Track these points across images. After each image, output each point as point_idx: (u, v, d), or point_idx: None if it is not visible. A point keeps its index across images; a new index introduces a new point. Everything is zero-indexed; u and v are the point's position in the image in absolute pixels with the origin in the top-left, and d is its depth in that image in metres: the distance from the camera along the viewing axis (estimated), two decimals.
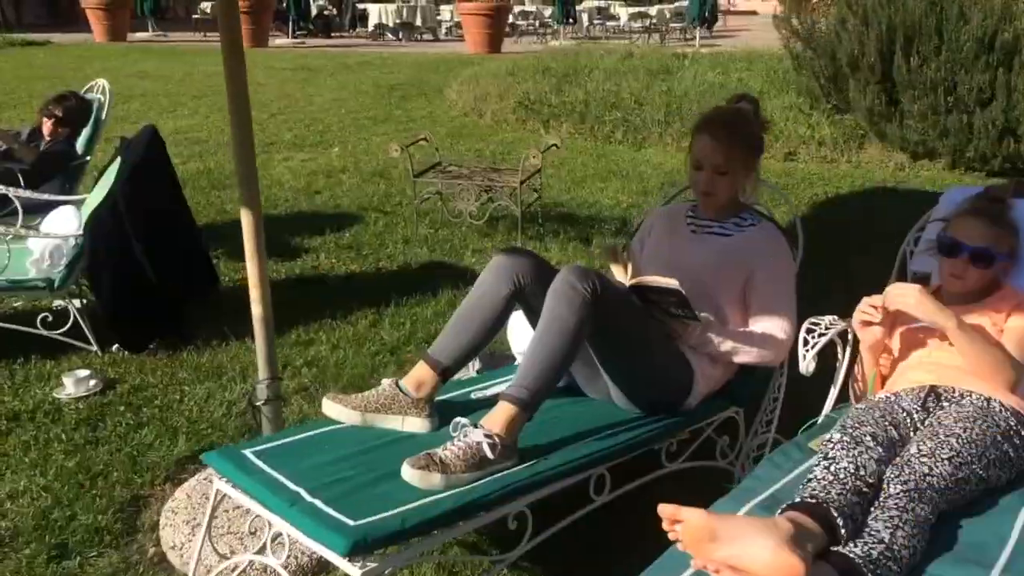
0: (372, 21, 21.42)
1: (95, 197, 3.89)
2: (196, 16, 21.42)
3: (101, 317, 3.70)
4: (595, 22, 22.64)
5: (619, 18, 21.63)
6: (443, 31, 22.73)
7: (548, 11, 22.04)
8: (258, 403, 2.59)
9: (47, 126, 4.61)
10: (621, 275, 2.44)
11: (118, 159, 3.87)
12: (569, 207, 6.04)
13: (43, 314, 3.65)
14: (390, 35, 21.69)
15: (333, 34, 22.30)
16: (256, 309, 2.62)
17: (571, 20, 21.02)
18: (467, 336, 2.37)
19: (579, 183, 6.70)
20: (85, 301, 3.78)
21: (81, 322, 3.70)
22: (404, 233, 5.44)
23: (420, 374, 2.37)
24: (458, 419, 2.17)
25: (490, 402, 2.45)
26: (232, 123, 2.45)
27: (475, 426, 2.13)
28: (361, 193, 6.37)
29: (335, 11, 23.20)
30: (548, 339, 2.19)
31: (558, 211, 5.85)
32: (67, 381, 3.44)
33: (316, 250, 5.13)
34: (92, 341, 3.72)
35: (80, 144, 4.69)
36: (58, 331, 3.68)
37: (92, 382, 3.48)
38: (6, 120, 9.15)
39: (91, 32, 19.03)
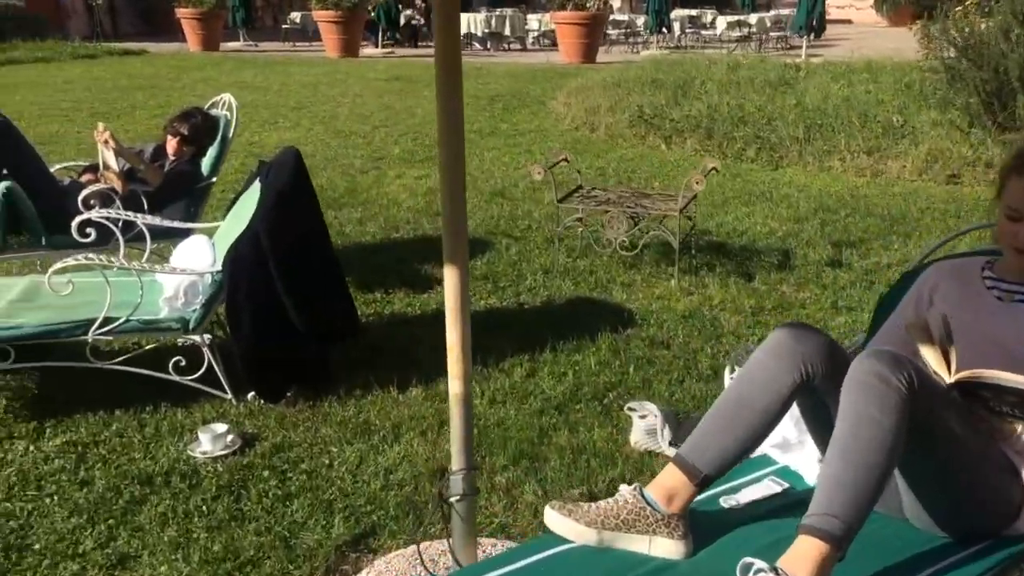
0: (461, 30, 21.13)
1: (230, 227, 3.51)
2: (285, 26, 21.46)
3: (238, 362, 3.31)
4: (687, 31, 21.99)
5: (715, 27, 20.91)
6: (530, 40, 22.34)
7: (640, 20, 21.46)
8: (452, 499, 2.13)
9: (172, 144, 4.27)
10: (936, 362, 1.90)
11: (256, 185, 3.48)
12: (717, 235, 5.49)
13: (176, 358, 3.27)
14: (477, 44, 21.39)
15: (420, 43, 22.11)
16: (455, 386, 2.16)
17: (664, 29, 20.42)
18: (734, 435, 1.86)
19: (720, 207, 6.14)
20: (212, 337, 3.39)
21: (216, 367, 3.31)
22: (542, 262, 4.97)
23: (672, 483, 1.87)
24: (749, 560, 1.65)
25: (751, 514, 1.94)
26: (443, 164, 1.99)
27: (772, 569, 1.61)
28: (485, 215, 5.92)
29: (423, 20, 23.00)
30: (858, 450, 1.67)
31: (706, 239, 5.31)
32: (203, 437, 3.04)
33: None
34: (227, 388, 3.33)
35: (206, 164, 4.34)
36: (191, 376, 3.30)
37: (230, 438, 3.08)
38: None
39: (185, 41, 19.17)
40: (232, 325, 3.22)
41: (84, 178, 4.23)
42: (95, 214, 3.57)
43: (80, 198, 3.89)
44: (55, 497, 2.79)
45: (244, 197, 3.57)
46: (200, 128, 4.28)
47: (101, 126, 4.00)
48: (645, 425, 3.06)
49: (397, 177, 7.05)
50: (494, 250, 5.20)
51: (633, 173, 7.24)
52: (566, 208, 4.90)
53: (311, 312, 3.30)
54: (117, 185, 3.94)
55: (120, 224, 3.66)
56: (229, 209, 3.75)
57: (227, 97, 4.53)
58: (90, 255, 3.06)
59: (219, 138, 4.35)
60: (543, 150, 8.23)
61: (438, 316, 4.25)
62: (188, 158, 4.29)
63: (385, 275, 4.73)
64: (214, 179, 4.31)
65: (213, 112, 4.49)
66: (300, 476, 2.92)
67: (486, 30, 20.89)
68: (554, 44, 22.58)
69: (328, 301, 3.44)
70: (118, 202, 4.00)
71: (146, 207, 4.08)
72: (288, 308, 3.24)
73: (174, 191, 4.17)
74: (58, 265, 3.00)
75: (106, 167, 3.97)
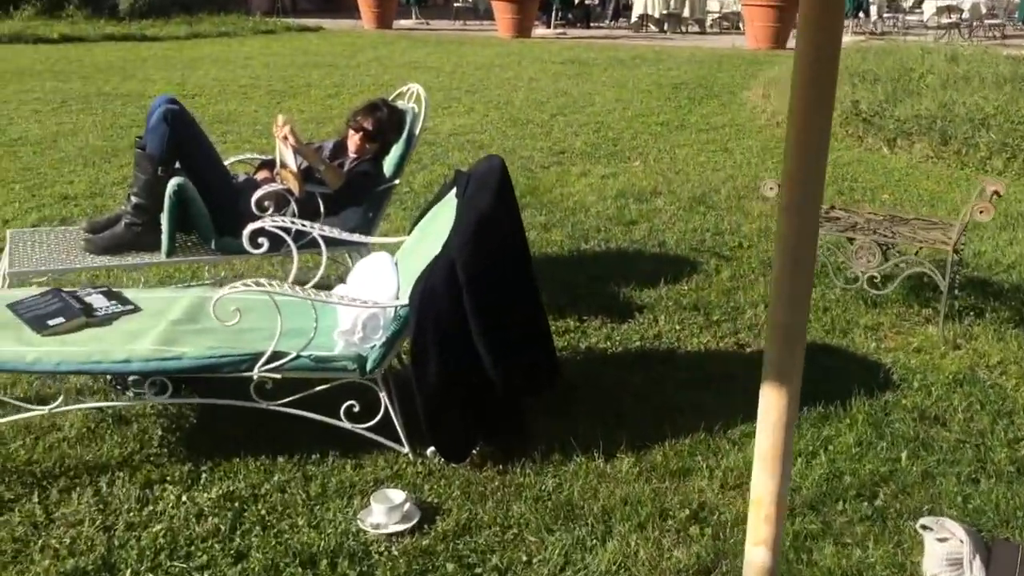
0: (636, 11, 20.24)
1: (418, 247, 2.97)
2: (457, 4, 21.20)
3: (419, 411, 2.76)
4: (884, 15, 20.18)
5: (919, 11, 19.06)
6: (708, 22, 21.15)
7: None
8: None
9: (353, 141, 3.78)
10: None
11: (452, 199, 2.92)
12: (976, 267, 4.54)
13: (349, 402, 2.76)
14: (653, 27, 20.42)
15: (592, 24, 21.36)
16: (757, 555, 1.49)
17: (861, 13, 18.78)
18: None
19: (971, 231, 5.15)
20: (390, 379, 2.87)
21: (394, 417, 2.78)
22: (761, 292, 4.21)
23: None
24: None
25: None
26: (788, 209, 1.32)
27: None
28: (686, 228, 5.19)
29: (597, 0, 22.23)
30: None
31: (964, 274, 4.38)
32: (376, 508, 2.52)
33: (651, 308, 4.01)
34: (404, 442, 2.80)
35: (389, 164, 3.84)
36: (364, 425, 2.78)
37: (407, 507, 2.54)
38: (286, 111, 8.83)
39: (360, 18, 19.23)
40: (416, 370, 2.67)
41: (259, 175, 3.82)
42: (268, 223, 3.11)
43: (254, 199, 3.47)
44: (205, 573, 2.33)
45: (436, 212, 3.02)
46: (385, 123, 3.78)
47: (281, 119, 3.56)
48: (946, 552, 2.29)
49: (582, 175, 6.41)
50: (702, 272, 4.47)
51: (854, 182, 6.29)
52: None
53: (509, 361, 2.71)
54: (293, 186, 3.49)
55: (293, 232, 3.20)
56: (415, 222, 3.21)
57: (415, 88, 4.01)
58: (260, 280, 2.58)
59: (405, 135, 3.83)
60: (743, 149, 7.37)
61: (643, 356, 3.59)
62: (370, 157, 3.80)
63: (577, 297, 4.11)
64: (397, 181, 3.80)
65: (399, 104, 3.98)
66: (491, 574, 2.34)
67: (664, 11, 19.90)
68: (734, 27, 21.36)
69: (528, 347, 2.84)
70: (293, 205, 3.56)
71: (323, 210, 3.63)
72: (483, 355, 2.66)
73: (354, 194, 3.69)
74: (224, 292, 2.54)
75: (283, 165, 3.53)
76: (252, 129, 7.84)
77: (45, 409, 2.63)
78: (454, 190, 2.93)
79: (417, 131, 3.85)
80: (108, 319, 2.81)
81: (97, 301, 2.88)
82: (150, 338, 2.66)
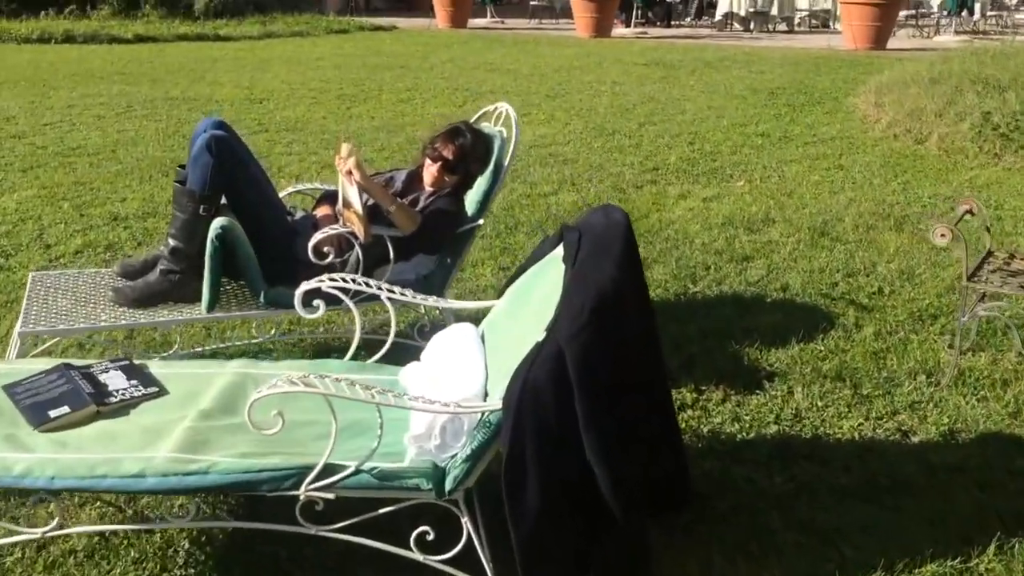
0: (721, 9, 19.30)
1: (512, 322, 2.34)
2: (533, 2, 20.55)
3: (513, 544, 2.12)
4: (987, 14, 18.85)
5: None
6: (796, 20, 20.07)
7: (934, 0, 18.62)
8: None
9: (430, 172, 3.17)
10: None
11: (555, 262, 2.27)
12: None
13: (422, 528, 2.13)
14: (738, 25, 19.46)
15: (673, 23, 20.49)
16: None
17: (964, 11, 17.52)
18: None
19: None
20: (471, 497, 2.23)
21: (478, 548, 2.15)
22: (918, 357, 3.46)
23: None
24: None
25: None
26: None
27: None
28: (811, 266, 4.44)
29: None
30: None
31: None
32: None
33: (783, 375, 3.30)
34: None
35: (472, 201, 3.21)
36: (440, 557, 2.16)
37: None
38: (356, 117, 8.32)
39: (434, 17, 18.74)
40: (510, 491, 2.03)
41: (319, 212, 3.23)
42: (325, 284, 2.51)
43: (311, 244, 2.87)
44: None
45: (535, 277, 2.38)
46: (468, 152, 3.15)
47: (344, 149, 2.96)
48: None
49: (681, 197, 5.69)
50: (839, 327, 3.73)
51: (999, 209, 5.44)
52: (975, 285, 3.33)
53: (632, 478, 2.05)
54: (358, 229, 2.89)
55: (353, 293, 2.59)
56: (508, 283, 2.57)
57: (504, 108, 3.37)
58: (310, 378, 1.96)
59: (492, 166, 3.20)
60: (860, 166, 6.55)
61: (782, 447, 2.69)
62: (450, 192, 3.18)
63: (691, 359, 3.43)
64: (481, 221, 3.17)
65: (484, 127, 3.35)
66: None
67: (751, 9, 18.92)
68: (824, 25, 20.23)
69: (656, 456, 2.18)
70: (358, 250, 2.96)
71: (392, 256, 3.02)
72: (598, 474, 2.01)
73: (430, 237, 3.07)
74: (262, 394, 1.94)
75: (346, 204, 2.93)
76: (319, 139, 7.32)
77: (36, 533, 2.07)
78: (560, 249, 2.28)
79: (506, 161, 3.21)
80: (124, 407, 2.24)
81: (114, 381, 2.32)
82: (173, 440, 2.08)
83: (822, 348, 3.53)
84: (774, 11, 19.10)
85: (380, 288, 2.54)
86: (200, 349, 3.30)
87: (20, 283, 4.09)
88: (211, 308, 2.91)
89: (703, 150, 7.11)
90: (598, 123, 8.22)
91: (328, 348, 3.48)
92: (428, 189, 3.21)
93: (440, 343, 2.43)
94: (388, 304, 2.54)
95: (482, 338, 2.45)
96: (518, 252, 4.60)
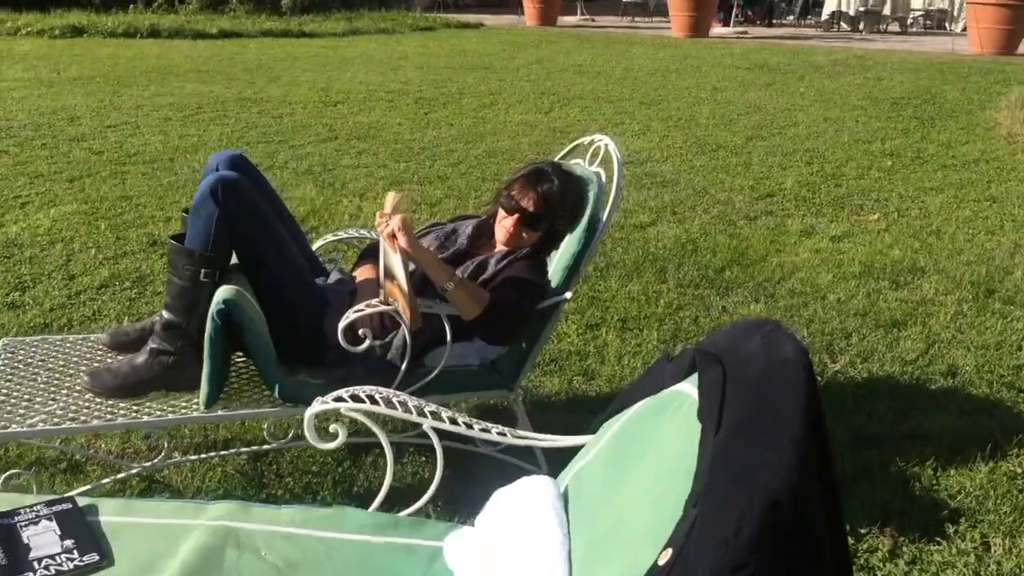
0: (828, 8, 18.04)
1: (612, 492, 1.56)
2: (626, 0, 19.61)
3: None
4: None
5: None
6: (909, 21, 18.64)
7: None
8: None
9: (505, 227, 2.41)
10: None
11: (679, 404, 1.48)
12: None
13: None
14: (846, 25, 18.16)
15: (775, 22, 19.30)
16: None
17: None
18: None
19: None
20: None
21: None
22: None
23: None
24: None
25: None
26: None
27: None
28: (981, 340, 3.52)
29: None
30: None
31: None
32: None
33: (971, 513, 2.44)
34: None
35: (558, 268, 2.44)
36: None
37: None
38: (433, 124, 7.63)
39: (522, 14, 18.03)
40: None
41: (360, 274, 2.51)
42: (344, 407, 1.78)
43: (341, 327, 2.15)
44: None
45: (650, 419, 1.59)
46: (555, 202, 2.38)
47: (389, 201, 2.21)
48: None
49: (804, 235, 4.81)
50: None
51: None
52: None
53: None
54: (403, 310, 2.15)
55: (395, 397, 1.86)
56: (608, 415, 1.78)
57: (604, 143, 2.58)
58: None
59: (585, 221, 2.42)
60: (1018, 199, 5.53)
61: None
62: (529, 252, 2.41)
63: (845, 481, 2.59)
64: (568, 296, 2.39)
65: (577, 168, 2.56)
66: None
67: (861, 8, 17.61)
68: (939, 27, 18.75)
69: None
70: (404, 331, 2.23)
71: (449, 334, 2.27)
72: None
73: (499, 318, 2.30)
74: None
75: (389, 275, 2.19)
76: (391, 149, 6.65)
77: None
78: (687, 386, 1.49)
79: (605, 215, 2.42)
80: None
81: (41, 541, 1.64)
82: None
83: (1017, 469, 2.65)
84: (886, 10, 17.76)
85: (424, 414, 1.79)
86: (194, 458, 2.60)
87: (29, 325, 3.51)
88: (211, 404, 2.22)
89: (824, 172, 6.18)
90: (699, 136, 7.35)
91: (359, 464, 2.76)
92: (501, 248, 2.45)
93: (504, 505, 1.67)
94: (434, 437, 1.79)
95: (564, 496, 1.68)
96: (610, 304, 3.81)
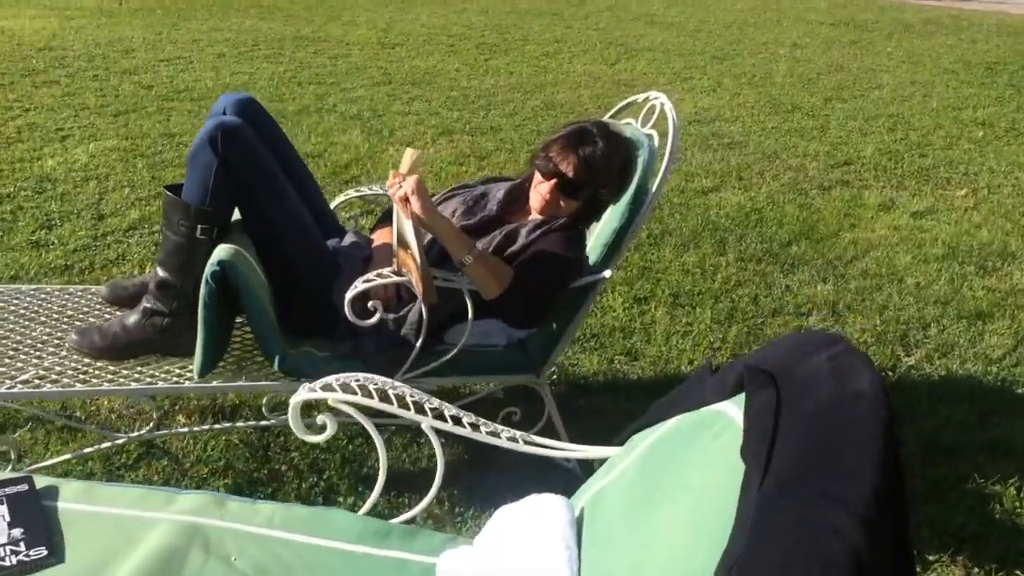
0: None
1: (635, 508, 1.30)
2: None
3: None
4: None
5: None
6: None
7: None
8: None
9: (540, 193, 2.13)
10: None
11: (716, 430, 1.21)
12: None
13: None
14: None
15: None
16: None
17: None
18: None
19: None
20: None
21: None
22: None
23: None
24: None
25: None
26: None
27: None
28: None
29: None
30: None
31: None
32: None
33: None
34: None
35: (597, 241, 2.15)
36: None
37: None
38: (491, 72, 7.30)
39: None
40: None
41: (377, 238, 2.26)
42: (332, 397, 1.54)
43: (348, 298, 1.91)
44: None
45: (682, 442, 1.32)
46: (599, 167, 2.09)
47: (406, 160, 1.93)
48: None
49: (882, 209, 4.41)
50: None
51: None
52: None
53: None
54: (416, 283, 1.90)
55: (402, 391, 1.62)
56: (636, 429, 1.51)
57: (659, 100, 2.26)
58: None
59: (632, 190, 2.12)
60: None
61: None
62: (566, 223, 2.13)
63: (921, 501, 2.28)
64: (608, 273, 2.10)
65: (627, 130, 2.25)
66: None
67: None
68: None
69: None
70: (421, 312, 1.98)
71: (470, 310, 2.02)
72: None
73: (522, 298, 2.02)
74: None
75: (402, 243, 1.93)
76: (446, 96, 6.37)
77: None
78: (732, 409, 1.22)
79: (654, 186, 2.12)
80: None
81: None
82: None
83: None
84: None
85: (424, 411, 1.54)
86: (198, 429, 2.40)
87: (50, 266, 3.37)
88: (205, 373, 2.01)
89: (908, 141, 5.71)
90: (774, 96, 6.89)
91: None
92: (535, 217, 2.18)
93: (508, 526, 1.42)
94: (434, 439, 1.54)
95: (580, 519, 1.43)
96: (662, 277, 3.51)
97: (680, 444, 1.33)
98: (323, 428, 1.56)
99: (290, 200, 2.07)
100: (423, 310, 1.99)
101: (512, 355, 2.18)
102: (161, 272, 2.05)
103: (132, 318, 2.07)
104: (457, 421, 1.52)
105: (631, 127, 2.25)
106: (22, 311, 2.26)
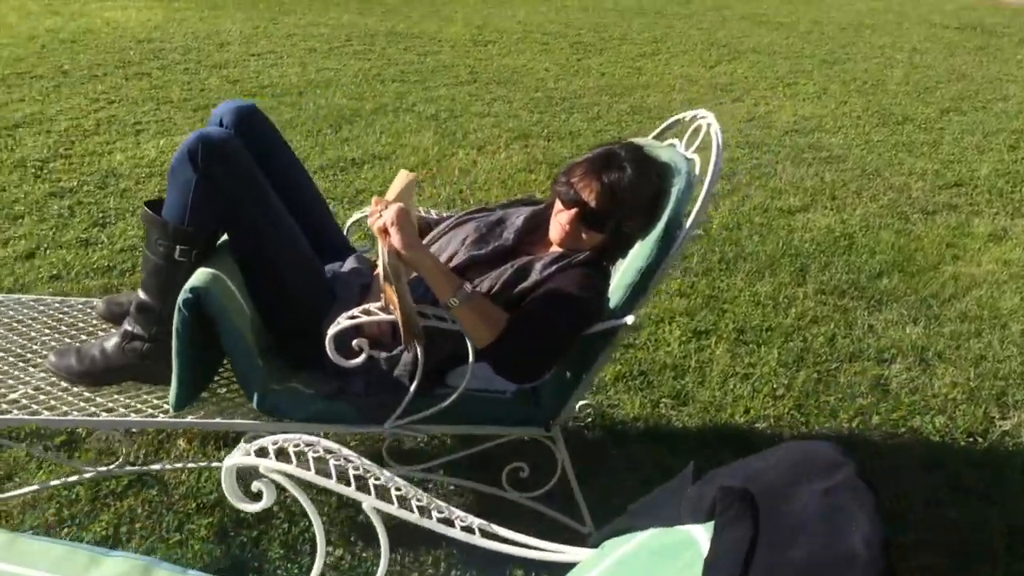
0: None
1: None
2: None
3: None
4: None
5: None
6: None
7: None
8: None
9: (559, 223, 1.87)
10: None
11: (687, 553, 0.92)
12: None
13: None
14: None
15: None
16: None
17: None
18: None
19: None
20: None
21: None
22: None
23: None
24: None
25: None
26: None
27: None
28: None
29: None
30: None
31: None
32: None
33: None
34: None
35: (621, 281, 1.87)
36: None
37: None
38: (582, 72, 7.03)
39: None
40: None
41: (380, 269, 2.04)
42: (265, 464, 1.34)
43: (329, 335, 1.71)
44: None
45: (651, 553, 1.05)
46: (625, 196, 1.81)
47: (396, 184, 1.69)
48: None
49: (992, 240, 3.94)
50: None
51: None
52: None
53: None
54: (400, 324, 1.67)
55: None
56: (610, 533, 1.24)
57: (706, 119, 1.96)
58: None
59: (663, 223, 1.83)
60: None
61: None
62: (588, 259, 1.87)
63: None
64: (631, 319, 1.81)
65: (662, 153, 1.96)
66: None
67: None
68: None
69: None
70: (416, 351, 1.76)
71: (472, 356, 1.77)
72: None
73: (516, 347, 1.76)
74: None
75: (387, 277, 1.70)
76: (528, 99, 6.14)
77: None
78: (703, 539, 0.94)
79: (691, 218, 1.82)
80: None
81: None
82: None
83: None
84: None
85: (367, 488, 1.31)
86: (150, 467, 2.21)
87: (93, 266, 3.31)
88: (180, 407, 1.85)
89: None
90: (884, 105, 6.38)
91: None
92: (555, 250, 1.92)
93: None
94: (376, 522, 1.31)
95: None
96: (729, 308, 3.19)
97: (647, 567, 1.06)
98: (259, 497, 1.36)
99: (281, 219, 1.88)
100: (419, 350, 1.77)
101: (520, 404, 1.94)
102: (142, 294, 1.89)
103: (112, 341, 1.92)
104: (404, 502, 1.29)
105: (670, 150, 1.97)
106: (15, 323, 2.15)
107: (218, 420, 1.87)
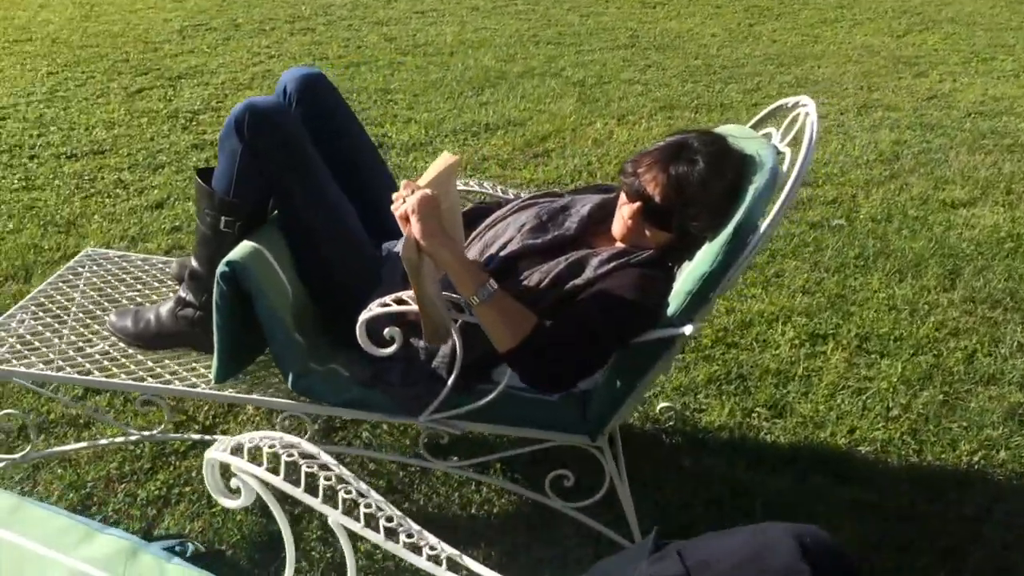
0: None
1: None
2: None
3: None
4: None
5: None
6: None
7: None
8: None
9: (622, 217, 1.69)
10: None
11: None
12: None
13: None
14: None
15: None
16: None
17: None
18: None
19: None
20: None
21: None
22: None
23: None
24: None
25: None
26: None
27: None
28: None
29: None
30: None
31: None
32: None
33: None
34: None
35: (680, 288, 1.67)
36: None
37: None
38: (751, 38, 6.58)
39: None
40: None
41: None
42: (240, 465, 1.27)
43: (360, 321, 1.63)
44: None
45: None
46: (694, 192, 1.60)
47: (433, 167, 1.55)
48: None
49: None
50: None
51: None
52: None
53: None
54: (425, 325, 1.55)
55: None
56: None
57: (806, 108, 1.69)
58: None
59: (733, 224, 1.60)
60: None
61: None
62: (651, 258, 1.68)
63: None
64: (689, 329, 1.60)
65: (750, 145, 1.72)
66: None
67: None
68: None
69: None
70: (455, 336, 1.65)
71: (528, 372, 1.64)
72: None
73: (544, 352, 1.59)
74: None
75: (420, 294, 1.56)
76: (685, 65, 5.81)
77: None
78: None
79: (767, 221, 1.59)
80: None
81: None
82: None
83: None
84: None
85: (334, 501, 1.22)
86: (195, 437, 2.19)
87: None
88: (222, 380, 1.83)
89: None
90: None
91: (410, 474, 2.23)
92: (618, 245, 1.74)
93: None
94: (343, 540, 1.21)
95: None
96: (856, 311, 2.86)
97: None
98: (239, 494, 1.30)
99: (331, 194, 1.81)
100: (457, 342, 1.65)
101: (565, 409, 1.78)
102: (194, 262, 1.88)
103: (166, 307, 1.93)
104: (371, 521, 1.18)
105: (759, 141, 1.72)
106: (98, 280, 2.21)
107: (254, 396, 1.84)
